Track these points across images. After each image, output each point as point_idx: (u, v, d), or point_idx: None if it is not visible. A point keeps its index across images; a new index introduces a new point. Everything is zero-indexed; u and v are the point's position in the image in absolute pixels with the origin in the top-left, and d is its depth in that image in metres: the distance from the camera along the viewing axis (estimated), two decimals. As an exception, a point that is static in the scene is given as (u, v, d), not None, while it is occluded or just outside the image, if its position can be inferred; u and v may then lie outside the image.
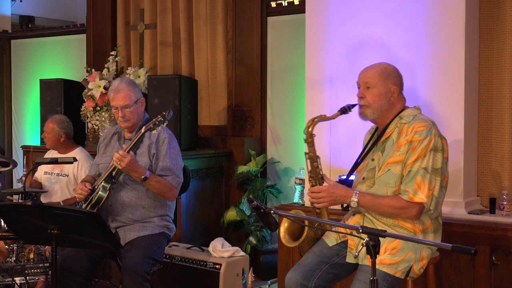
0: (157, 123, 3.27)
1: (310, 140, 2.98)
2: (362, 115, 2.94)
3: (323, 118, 2.98)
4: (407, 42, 3.56)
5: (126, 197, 3.47)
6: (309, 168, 2.99)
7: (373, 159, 2.92)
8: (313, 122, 2.96)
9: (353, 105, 2.96)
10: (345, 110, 2.95)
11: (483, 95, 3.64)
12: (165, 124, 3.28)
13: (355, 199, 2.82)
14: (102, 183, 3.40)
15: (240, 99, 5.43)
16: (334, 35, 3.81)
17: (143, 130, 3.31)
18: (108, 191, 3.39)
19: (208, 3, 5.60)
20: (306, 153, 3.00)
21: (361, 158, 3.01)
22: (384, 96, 2.88)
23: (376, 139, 2.96)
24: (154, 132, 3.31)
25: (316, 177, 2.96)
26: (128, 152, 3.30)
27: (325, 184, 2.95)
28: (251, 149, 5.23)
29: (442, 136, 2.84)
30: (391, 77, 2.90)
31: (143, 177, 3.34)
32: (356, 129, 3.56)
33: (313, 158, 2.98)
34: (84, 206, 3.42)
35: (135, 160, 3.33)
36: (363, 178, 2.94)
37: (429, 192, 2.75)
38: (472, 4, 3.52)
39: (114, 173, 3.40)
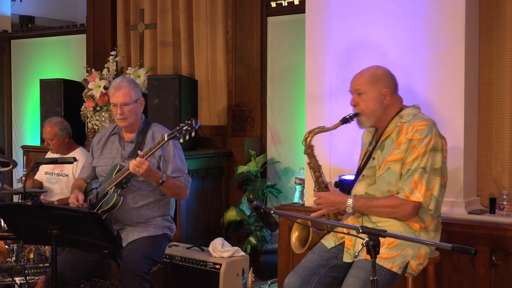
0: (183, 131, 3.18)
1: (309, 151, 2.99)
2: (359, 123, 2.95)
3: (322, 130, 2.98)
4: (407, 42, 3.56)
5: (130, 200, 3.44)
6: (314, 179, 3.01)
7: (373, 158, 2.93)
8: (311, 133, 2.97)
9: (355, 115, 2.93)
10: (346, 120, 2.93)
11: (483, 95, 3.64)
12: (193, 134, 3.20)
13: (350, 204, 2.84)
14: (113, 188, 3.36)
15: (240, 99, 5.43)
16: (334, 35, 3.80)
17: (166, 137, 3.21)
18: (122, 197, 3.38)
19: (208, 3, 5.60)
20: (307, 163, 3.01)
21: (365, 160, 2.99)
22: (377, 101, 2.87)
23: (377, 140, 2.96)
24: (181, 141, 3.23)
25: (320, 186, 2.98)
26: (146, 159, 3.25)
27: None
28: (251, 149, 5.23)
29: (441, 135, 2.84)
30: (381, 80, 2.89)
31: (160, 181, 3.32)
32: (355, 129, 3.56)
33: (314, 168, 3.00)
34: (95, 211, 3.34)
35: (152, 165, 3.32)
36: (363, 176, 2.95)
37: (428, 193, 2.75)
38: (472, 4, 3.52)
39: (124, 179, 3.36)
